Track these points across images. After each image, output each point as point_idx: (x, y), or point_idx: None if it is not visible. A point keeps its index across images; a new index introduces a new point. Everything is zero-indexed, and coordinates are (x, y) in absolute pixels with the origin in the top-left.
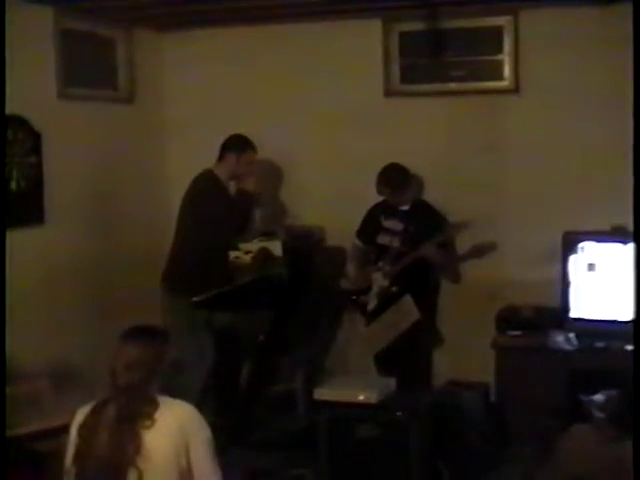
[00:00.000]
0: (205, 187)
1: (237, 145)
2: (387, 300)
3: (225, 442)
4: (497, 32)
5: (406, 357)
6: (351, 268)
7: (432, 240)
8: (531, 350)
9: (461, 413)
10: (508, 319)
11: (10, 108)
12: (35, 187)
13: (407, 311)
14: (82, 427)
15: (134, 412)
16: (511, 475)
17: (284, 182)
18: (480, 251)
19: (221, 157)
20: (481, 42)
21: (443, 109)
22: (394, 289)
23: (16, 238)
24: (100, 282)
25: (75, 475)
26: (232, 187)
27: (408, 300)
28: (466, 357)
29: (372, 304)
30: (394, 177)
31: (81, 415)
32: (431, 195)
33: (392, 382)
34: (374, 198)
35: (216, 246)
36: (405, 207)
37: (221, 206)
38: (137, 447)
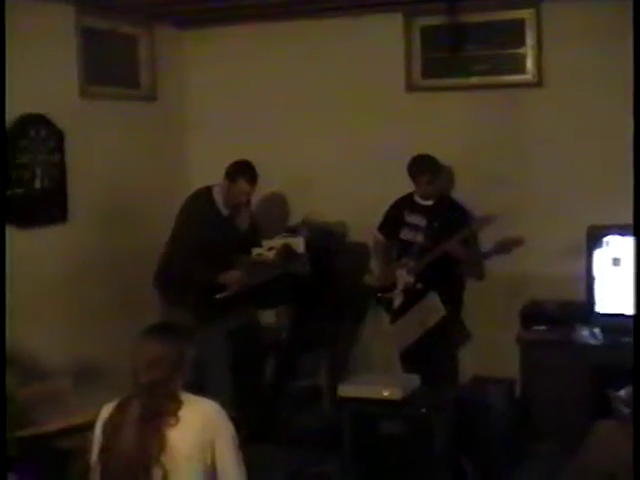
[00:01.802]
0: (194, 204)
1: (231, 173)
2: (412, 297)
3: (249, 439)
4: (519, 25)
5: (431, 354)
6: (375, 264)
7: (456, 236)
8: (556, 345)
9: (486, 409)
10: (533, 314)
11: (33, 107)
12: (58, 185)
13: (433, 308)
14: (107, 424)
15: (158, 410)
16: (536, 471)
17: (306, 179)
18: (506, 247)
19: (223, 180)
20: (503, 35)
21: (465, 103)
22: (419, 286)
23: (39, 236)
24: (123, 280)
25: (100, 472)
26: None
27: (434, 297)
28: (491, 353)
29: (398, 301)
30: (432, 164)
31: (106, 412)
32: (454, 190)
33: (416, 378)
34: (396, 194)
35: (192, 263)
36: (429, 202)
37: (202, 225)
38: (162, 445)
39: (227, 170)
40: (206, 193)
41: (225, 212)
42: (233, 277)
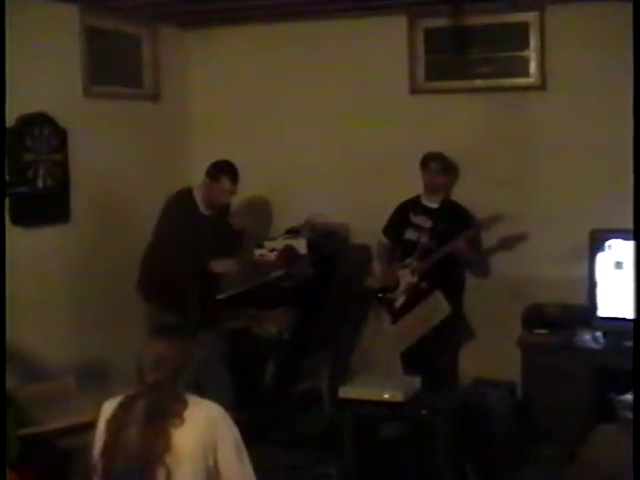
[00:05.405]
0: (174, 203)
1: (212, 172)
2: (415, 296)
3: (250, 440)
4: (523, 28)
5: (433, 355)
6: (377, 266)
7: (463, 235)
8: (558, 349)
9: (487, 412)
10: (534, 317)
11: (36, 105)
12: (61, 184)
13: (437, 306)
14: (110, 421)
15: (164, 410)
16: (537, 474)
17: (308, 180)
18: (510, 243)
19: (203, 180)
20: (507, 38)
21: (469, 106)
22: (423, 285)
23: (42, 235)
24: (125, 280)
25: (102, 470)
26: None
27: (438, 295)
28: (492, 355)
29: (400, 301)
30: (443, 156)
31: (109, 409)
32: (457, 192)
33: (417, 380)
34: (398, 196)
35: (171, 265)
36: (435, 205)
37: (184, 223)
38: (166, 445)
39: (208, 170)
40: (187, 193)
41: (206, 212)
42: (226, 265)
